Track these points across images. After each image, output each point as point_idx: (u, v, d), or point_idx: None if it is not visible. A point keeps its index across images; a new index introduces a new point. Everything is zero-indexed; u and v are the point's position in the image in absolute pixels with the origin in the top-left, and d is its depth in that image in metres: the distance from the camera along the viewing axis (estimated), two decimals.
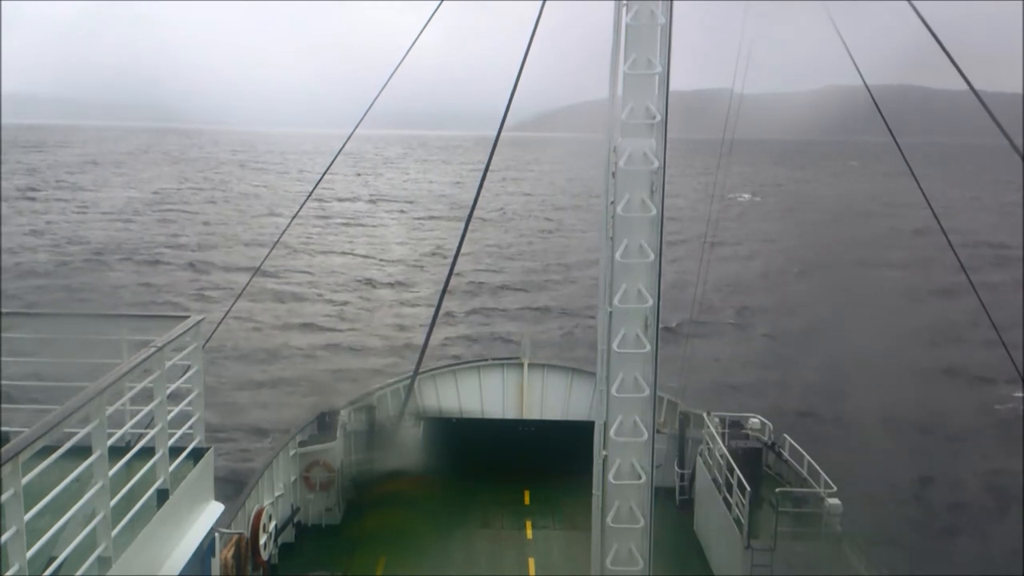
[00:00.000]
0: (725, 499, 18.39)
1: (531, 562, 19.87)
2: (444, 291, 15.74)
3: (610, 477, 13.64)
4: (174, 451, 9.12)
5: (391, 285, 65.39)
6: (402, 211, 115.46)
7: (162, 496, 8.68)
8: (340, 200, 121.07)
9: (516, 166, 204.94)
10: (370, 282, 66.39)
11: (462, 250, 15.63)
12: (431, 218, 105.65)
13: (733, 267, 69.10)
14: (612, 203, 13.21)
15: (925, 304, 55.08)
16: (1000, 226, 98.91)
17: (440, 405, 23.96)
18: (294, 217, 19.62)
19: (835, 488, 17.70)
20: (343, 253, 79.39)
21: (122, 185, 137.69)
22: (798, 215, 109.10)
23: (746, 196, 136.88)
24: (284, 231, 20.14)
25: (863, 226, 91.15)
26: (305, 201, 19.30)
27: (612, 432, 13.57)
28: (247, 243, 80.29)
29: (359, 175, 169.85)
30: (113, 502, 7.45)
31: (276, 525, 19.22)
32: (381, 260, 76.34)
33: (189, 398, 9.65)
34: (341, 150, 16.85)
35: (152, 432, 8.78)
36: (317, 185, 19.31)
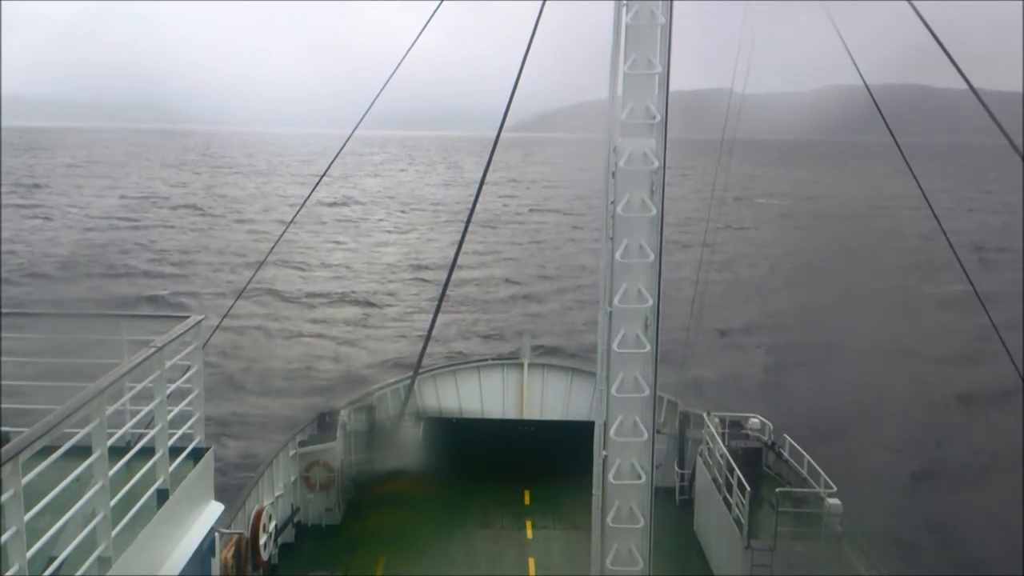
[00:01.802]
0: (725, 499, 18.39)
1: (531, 562, 19.87)
2: (443, 293, 15.75)
3: (610, 477, 13.64)
4: (174, 451, 9.13)
5: (363, 304, 59.36)
6: (390, 217, 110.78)
7: (162, 496, 8.69)
8: (332, 206, 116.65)
9: (507, 166, 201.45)
10: (343, 298, 60.41)
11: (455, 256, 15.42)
12: (420, 225, 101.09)
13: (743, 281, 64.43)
14: (612, 203, 13.23)
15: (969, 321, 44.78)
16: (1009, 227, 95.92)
17: (440, 405, 23.96)
18: (286, 229, 19.31)
19: (835, 488, 17.71)
20: (320, 266, 72.87)
21: (99, 190, 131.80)
22: (810, 220, 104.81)
23: (762, 200, 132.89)
24: (273, 247, 19.63)
25: (877, 231, 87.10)
26: (297, 213, 19.13)
27: (612, 432, 13.58)
28: (222, 252, 75.42)
29: (346, 177, 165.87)
30: (113, 502, 7.46)
31: (276, 525, 19.22)
32: (357, 272, 70.98)
33: (189, 398, 9.65)
34: (340, 151, 16.83)
35: (152, 432, 8.79)
36: (311, 193, 19.27)
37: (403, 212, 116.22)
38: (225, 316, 18.52)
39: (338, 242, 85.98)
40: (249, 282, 20.27)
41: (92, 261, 69.14)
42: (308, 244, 77.60)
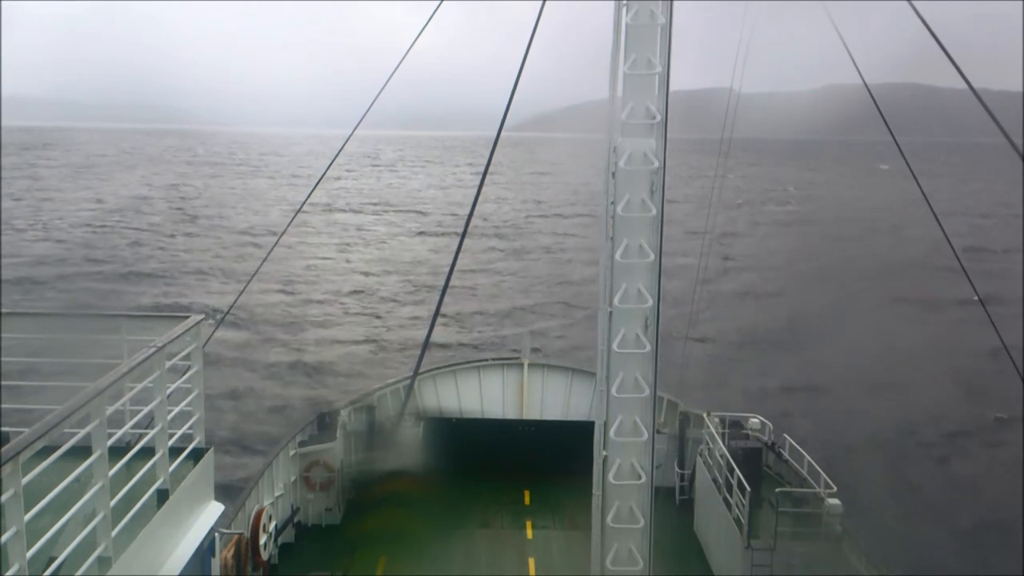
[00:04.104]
0: (725, 499, 18.39)
1: (531, 562, 19.87)
2: (442, 295, 15.73)
3: (610, 477, 13.65)
4: (174, 451, 9.12)
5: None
6: (377, 225, 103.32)
7: (162, 496, 8.68)
8: (321, 211, 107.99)
9: (508, 166, 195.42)
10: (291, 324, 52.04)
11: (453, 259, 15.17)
12: (403, 233, 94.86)
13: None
14: (612, 203, 13.23)
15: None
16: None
17: (440, 405, 23.95)
18: (274, 245, 19.12)
19: (835, 488, 17.71)
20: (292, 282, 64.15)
21: (72, 193, 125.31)
22: (817, 227, 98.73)
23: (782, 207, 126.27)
24: (265, 258, 19.33)
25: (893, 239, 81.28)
26: (286, 227, 18.98)
27: (612, 432, 13.59)
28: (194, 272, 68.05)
29: (339, 179, 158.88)
30: (113, 502, 7.45)
31: (276, 525, 19.22)
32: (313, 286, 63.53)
33: (189, 398, 9.65)
34: (340, 151, 16.83)
35: (152, 432, 8.78)
36: (308, 198, 19.17)
37: (392, 218, 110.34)
38: (225, 316, 18.54)
39: (322, 256, 78.28)
40: (240, 295, 19.99)
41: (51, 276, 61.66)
42: (284, 256, 67.74)
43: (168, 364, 9.00)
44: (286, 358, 45.14)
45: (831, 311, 52.09)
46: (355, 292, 62.95)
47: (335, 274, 69.80)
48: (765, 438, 21.17)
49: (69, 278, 62.30)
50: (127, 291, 59.37)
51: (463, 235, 14.81)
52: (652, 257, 13.21)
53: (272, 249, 19.13)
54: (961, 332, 44.08)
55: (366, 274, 69.99)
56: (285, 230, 19.25)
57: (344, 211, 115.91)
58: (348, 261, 76.20)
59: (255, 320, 50.96)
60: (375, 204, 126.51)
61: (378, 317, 55.69)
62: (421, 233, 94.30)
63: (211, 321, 17.80)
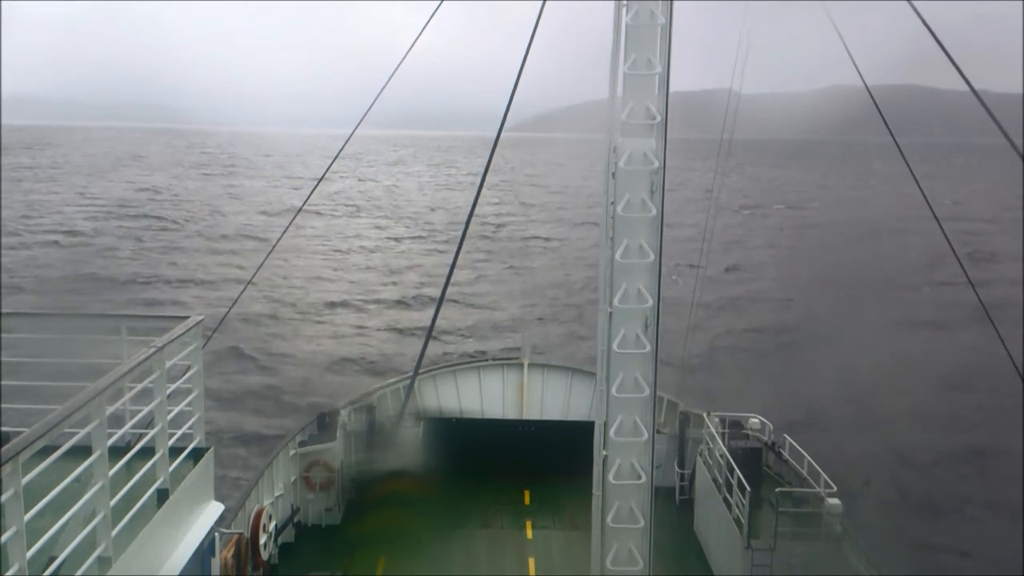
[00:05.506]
0: (725, 499, 18.39)
1: (531, 562, 19.87)
2: (443, 294, 15.74)
3: (610, 477, 13.66)
4: (174, 451, 9.13)
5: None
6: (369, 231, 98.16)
7: (162, 496, 8.69)
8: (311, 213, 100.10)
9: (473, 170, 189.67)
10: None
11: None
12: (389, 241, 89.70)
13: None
14: (612, 203, 13.25)
15: None
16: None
17: (440, 405, 23.96)
18: (273, 246, 19.02)
19: (835, 488, 17.70)
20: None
21: (53, 196, 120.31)
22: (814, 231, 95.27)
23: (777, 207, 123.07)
24: (255, 274, 19.17)
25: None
26: (287, 226, 18.92)
27: (612, 432, 13.60)
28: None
29: (329, 181, 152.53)
30: (113, 502, 7.45)
31: (276, 525, 19.23)
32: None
33: (189, 398, 9.65)
34: (340, 152, 16.82)
35: (152, 432, 8.79)
36: (305, 202, 19.10)
37: (384, 222, 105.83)
38: (225, 317, 18.52)
39: (308, 262, 72.57)
40: (235, 302, 19.93)
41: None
42: (269, 263, 60.85)
43: (168, 364, 9.00)
44: (257, 381, 40.73)
45: (836, 327, 48.34)
46: (342, 301, 59.63)
47: (324, 282, 66.62)
48: (765, 438, 21.16)
49: (24, 290, 55.82)
50: (90, 303, 52.51)
51: (462, 239, 14.82)
52: (652, 257, 13.23)
53: (265, 259, 18.92)
54: (975, 350, 39.17)
55: (354, 282, 67.20)
56: (280, 238, 19.07)
57: (337, 215, 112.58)
58: (336, 269, 72.91)
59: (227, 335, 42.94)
60: (371, 208, 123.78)
61: (362, 334, 51.88)
62: (415, 238, 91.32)
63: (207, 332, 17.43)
